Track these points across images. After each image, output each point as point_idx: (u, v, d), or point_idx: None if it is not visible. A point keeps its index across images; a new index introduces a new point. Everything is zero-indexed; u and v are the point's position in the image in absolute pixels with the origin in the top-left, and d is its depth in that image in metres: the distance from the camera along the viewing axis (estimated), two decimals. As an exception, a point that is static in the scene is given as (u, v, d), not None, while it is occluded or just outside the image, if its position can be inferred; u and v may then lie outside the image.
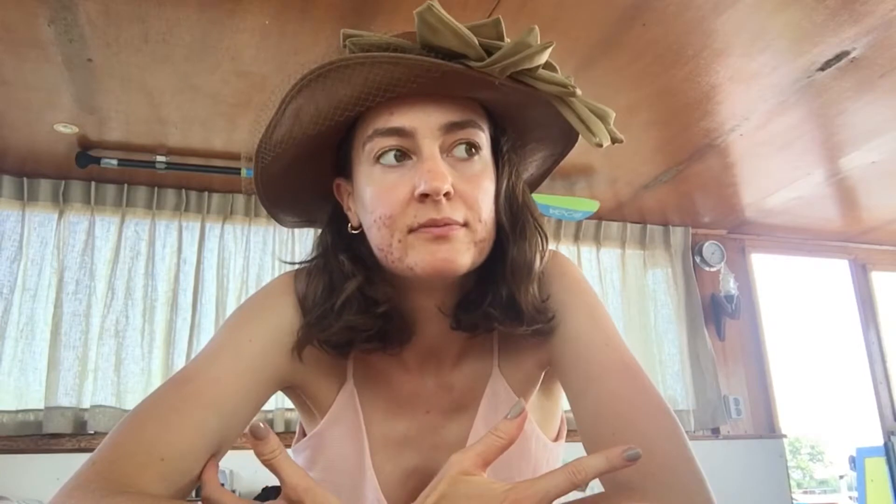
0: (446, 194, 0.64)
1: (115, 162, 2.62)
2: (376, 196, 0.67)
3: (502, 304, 0.71)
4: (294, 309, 0.75)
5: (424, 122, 0.66)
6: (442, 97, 0.67)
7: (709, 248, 3.61)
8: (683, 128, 2.58)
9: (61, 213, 2.76)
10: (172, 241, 2.88)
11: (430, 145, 0.66)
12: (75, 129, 2.44)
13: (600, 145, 0.66)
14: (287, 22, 1.88)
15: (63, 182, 2.76)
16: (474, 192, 0.67)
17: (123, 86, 2.18)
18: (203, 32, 1.93)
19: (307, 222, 0.83)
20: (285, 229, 2.97)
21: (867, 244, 3.98)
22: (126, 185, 2.84)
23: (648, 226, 3.56)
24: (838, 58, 2.13)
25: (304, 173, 0.74)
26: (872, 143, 2.73)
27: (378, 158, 0.67)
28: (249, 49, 2.00)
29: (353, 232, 0.72)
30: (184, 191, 2.90)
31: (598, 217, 3.38)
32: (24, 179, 2.73)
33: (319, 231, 0.79)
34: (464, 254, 0.66)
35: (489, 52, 0.64)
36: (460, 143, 0.68)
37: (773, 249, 3.88)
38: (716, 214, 3.52)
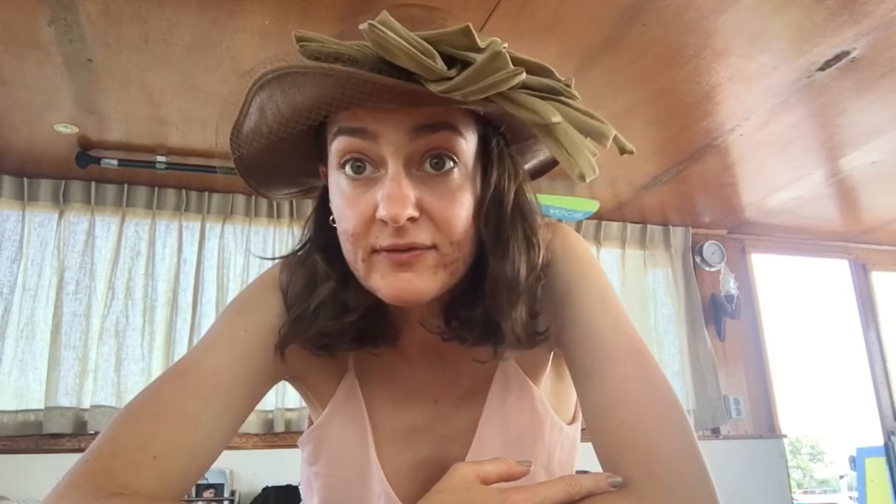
0: (410, 218, 0.59)
1: (115, 162, 2.62)
2: (341, 208, 0.62)
3: (480, 325, 0.67)
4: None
5: (390, 124, 0.59)
6: None
7: (709, 248, 3.61)
8: (683, 128, 2.58)
9: (61, 214, 2.76)
10: (172, 242, 2.88)
11: (394, 158, 0.59)
12: (75, 129, 2.44)
13: (583, 179, 0.58)
14: (287, 22, 1.88)
15: (63, 182, 2.76)
16: (446, 211, 0.60)
17: (123, 86, 2.18)
18: (203, 32, 1.93)
19: (301, 193, 0.79)
20: (285, 230, 2.98)
21: (867, 244, 3.98)
22: (126, 186, 2.84)
23: (648, 226, 3.56)
24: (838, 58, 2.13)
25: (286, 159, 0.70)
26: (872, 143, 2.73)
27: (342, 167, 0.62)
28: (249, 49, 2.00)
29: (334, 226, 0.67)
30: (184, 191, 2.90)
31: (598, 217, 3.38)
32: (25, 179, 2.73)
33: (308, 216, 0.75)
34: (429, 280, 0.61)
35: (462, 62, 0.57)
36: (432, 155, 0.61)
37: (773, 249, 3.88)
38: (716, 214, 3.52)
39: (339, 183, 0.63)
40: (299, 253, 0.73)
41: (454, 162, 0.62)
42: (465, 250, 0.63)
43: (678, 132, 2.61)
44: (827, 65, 2.17)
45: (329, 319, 0.67)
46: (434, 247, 0.61)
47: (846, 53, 2.11)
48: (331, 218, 0.68)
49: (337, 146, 0.62)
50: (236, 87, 0.65)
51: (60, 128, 2.42)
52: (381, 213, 0.58)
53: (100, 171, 2.69)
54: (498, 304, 0.65)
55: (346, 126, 0.61)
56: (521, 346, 0.68)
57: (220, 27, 1.90)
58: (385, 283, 0.61)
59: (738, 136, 2.63)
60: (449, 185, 0.62)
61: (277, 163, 0.70)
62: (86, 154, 2.58)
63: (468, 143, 0.63)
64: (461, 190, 0.62)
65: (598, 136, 0.59)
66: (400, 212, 0.58)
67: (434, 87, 0.56)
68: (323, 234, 0.70)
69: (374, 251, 0.61)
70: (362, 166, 0.61)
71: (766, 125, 2.56)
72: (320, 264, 0.69)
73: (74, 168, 2.61)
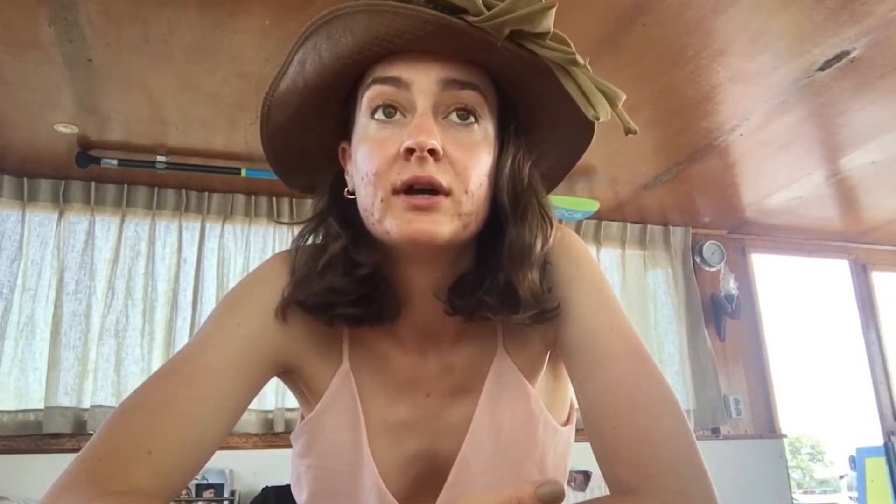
0: (432, 152, 0.62)
1: (115, 162, 2.62)
2: (366, 153, 0.65)
3: (498, 291, 0.67)
4: (282, 290, 0.73)
5: (423, 73, 0.65)
6: (448, 56, 0.66)
7: (709, 248, 3.61)
8: (683, 128, 2.58)
9: (61, 214, 2.76)
10: (172, 241, 2.88)
11: (423, 101, 0.64)
12: (75, 130, 2.44)
13: (597, 118, 0.64)
14: (287, 22, 1.88)
15: (63, 182, 2.76)
16: (465, 159, 0.64)
17: (123, 86, 2.18)
18: (203, 33, 1.93)
19: (307, 186, 0.80)
20: (285, 229, 2.98)
21: (867, 244, 3.98)
22: (126, 186, 2.84)
23: (648, 226, 3.56)
24: (838, 58, 2.13)
25: (312, 130, 0.73)
26: (872, 143, 2.73)
27: (373, 113, 0.66)
28: (250, 49, 2.00)
29: (350, 197, 0.70)
30: (184, 191, 2.90)
31: (598, 217, 3.38)
32: (25, 179, 2.73)
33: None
34: (444, 225, 0.63)
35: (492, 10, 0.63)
36: (458, 108, 0.66)
37: (773, 249, 3.88)
38: (716, 214, 3.52)
39: (366, 131, 0.66)
40: (308, 226, 0.74)
41: (476, 119, 0.66)
42: (477, 206, 0.66)
43: (678, 132, 2.61)
44: (827, 65, 2.17)
45: (337, 276, 0.69)
46: (449, 194, 0.63)
47: (846, 53, 2.11)
48: (346, 190, 0.71)
49: (370, 95, 0.66)
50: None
51: (60, 128, 2.42)
52: (408, 142, 0.62)
53: (100, 171, 2.69)
54: (515, 268, 0.67)
55: (380, 75, 0.66)
56: (536, 307, 0.68)
57: (220, 27, 1.90)
58: (399, 223, 0.63)
59: (738, 136, 2.63)
60: (470, 137, 0.66)
61: (302, 134, 0.73)
62: (86, 154, 2.59)
63: (489, 112, 0.68)
64: (480, 146, 0.66)
65: (611, 96, 0.64)
66: (425, 140, 0.61)
67: (472, 20, 0.62)
68: (337, 204, 0.73)
69: (395, 192, 0.63)
70: (392, 112, 0.65)
71: (766, 125, 2.56)
72: (333, 226, 0.71)
73: (74, 168, 2.61)
